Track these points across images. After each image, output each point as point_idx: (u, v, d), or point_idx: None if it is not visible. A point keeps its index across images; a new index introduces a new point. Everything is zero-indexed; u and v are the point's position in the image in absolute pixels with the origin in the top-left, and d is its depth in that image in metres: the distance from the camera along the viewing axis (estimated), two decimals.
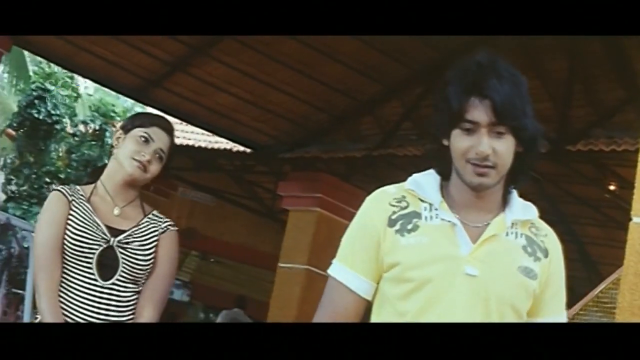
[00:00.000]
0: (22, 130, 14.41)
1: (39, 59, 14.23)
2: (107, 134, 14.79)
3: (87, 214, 3.08)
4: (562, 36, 7.31)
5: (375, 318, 2.20)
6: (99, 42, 8.54)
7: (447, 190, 2.20)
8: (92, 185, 3.17)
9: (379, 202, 2.21)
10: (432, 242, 2.13)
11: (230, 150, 10.61)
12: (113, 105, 15.56)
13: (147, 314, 3.08)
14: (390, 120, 9.11)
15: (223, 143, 10.69)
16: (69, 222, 3.05)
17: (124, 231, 3.10)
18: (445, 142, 2.16)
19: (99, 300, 3.01)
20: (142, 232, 3.14)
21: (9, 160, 14.52)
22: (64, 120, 14.59)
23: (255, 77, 8.89)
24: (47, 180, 14.28)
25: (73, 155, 14.62)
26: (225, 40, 8.32)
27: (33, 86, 14.52)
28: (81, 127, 15.12)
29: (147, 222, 3.18)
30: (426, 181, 2.21)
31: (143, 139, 3.11)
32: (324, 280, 8.93)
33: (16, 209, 13.70)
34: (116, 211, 3.13)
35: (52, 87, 14.47)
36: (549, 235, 2.23)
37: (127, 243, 3.08)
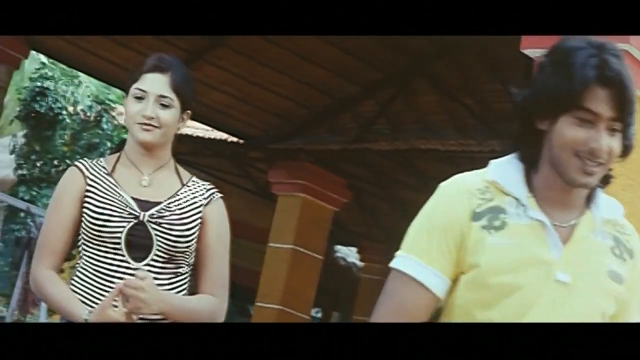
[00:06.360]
0: (26, 122, 15.14)
1: (43, 62, 15.06)
2: (104, 119, 15.45)
3: (109, 188, 2.70)
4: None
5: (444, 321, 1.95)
6: (106, 46, 9.38)
7: (533, 183, 1.93)
8: (117, 154, 2.81)
9: (461, 192, 1.92)
10: (520, 244, 1.88)
11: (225, 140, 11.34)
12: (108, 92, 15.96)
13: (212, 306, 2.73)
14: (366, 117, 9.94)
15: (218, 134, 11.40)
16: (88, 200, 2.68)
17: (157, 203, 2.69)
18: (541, 126, 1.89)
19: None
20: (180, 203, 2.72)
21: (18, 146, 15.13)
22: (64, 112, 15.24)
23: (246, 78, 9.74)
24: (55, 163, 15.01)
25: (77, 142, 15.33)
26: (219, 47, 9.26)
27: (34, 84, 15.20)
28: (81, 114, 15.77)
29: (186, 191, 2.76)
30: (510, 171, 1.94)
31: (136, 96, 2.72)
32: (307, 259, 10.63)
33: (26, 193, 14.39)
34: (144, 181, 2.73)
35: (51, 84, 15.12)
36: (633, 235, 1.99)
37: (160, 217, 2.66)
